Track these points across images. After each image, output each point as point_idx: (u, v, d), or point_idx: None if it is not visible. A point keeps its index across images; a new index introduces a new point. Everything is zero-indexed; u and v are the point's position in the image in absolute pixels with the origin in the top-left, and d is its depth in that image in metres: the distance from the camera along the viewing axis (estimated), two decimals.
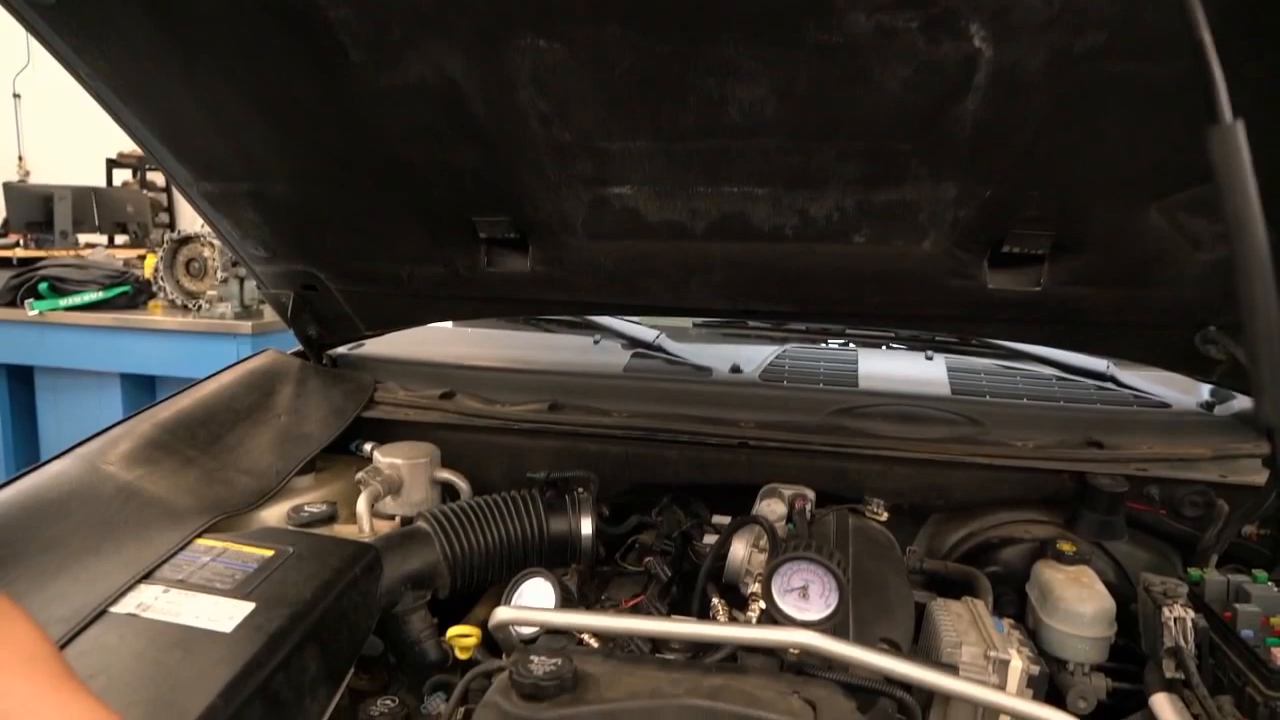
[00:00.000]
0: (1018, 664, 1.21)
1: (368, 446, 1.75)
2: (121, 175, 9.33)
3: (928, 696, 1.23)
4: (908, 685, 1.11)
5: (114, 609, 1.16)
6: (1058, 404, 1.74)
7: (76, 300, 5.32)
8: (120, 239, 7.84)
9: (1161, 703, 1.24)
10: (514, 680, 1.03)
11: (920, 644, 1.37)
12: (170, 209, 9.50)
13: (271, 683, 1.10)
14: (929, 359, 1.96)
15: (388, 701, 1.28)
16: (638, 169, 1.38)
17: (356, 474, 1.63)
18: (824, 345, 2.03)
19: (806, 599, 1.10)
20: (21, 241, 6.84)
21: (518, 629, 1.26)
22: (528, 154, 1.38)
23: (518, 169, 1.42)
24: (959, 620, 1.32)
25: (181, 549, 1.31)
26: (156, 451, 1.55)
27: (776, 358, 1.93)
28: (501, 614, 1.14)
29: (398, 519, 1.65)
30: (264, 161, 1.48)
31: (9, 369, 4.94)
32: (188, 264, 5.57)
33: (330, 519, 1.50)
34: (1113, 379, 1.82)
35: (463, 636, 1.25)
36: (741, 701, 1.02)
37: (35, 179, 9.47)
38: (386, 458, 1.67)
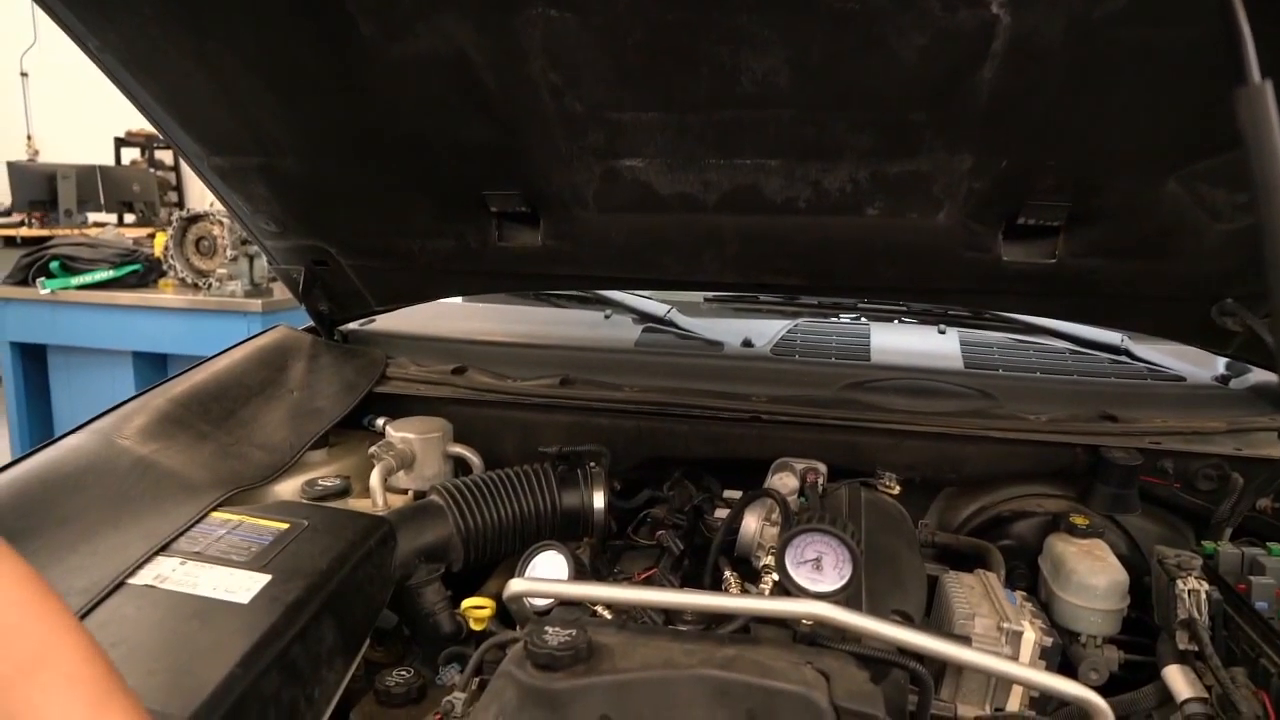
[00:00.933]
0: (1030, 636, 1.21)
1: (380, 421, 1.75)
2: (130, 154, 9.32)
3: (940, 668, 1.24)
4: (920, 657, 1.11)
5: (132, 581, 1.17)
6: (1071, 377, 1.73)
7: (88, 279, 5.34)
8: (129, 218, 7.85)
9: (1174, 674, 1.25)
10: (529, 650, 1.03)
11: (932, 616, 1.37)
12: (179, 188, 9.51)
13: (289, 653, 1.11)
14: (941, 333, 1.95)
15: (403, 673, 1.29)
16: (649, 141, 1.37)
17: (369, 449, 1.63)
18: (836, 319, 2.03)
19: (820, 571, 1.11)
20: (27, 221, 6.85)
21: (531, 601, 1.27)
22: (539, 126, 1.37)
23: (529, 141, 1.41)
24: (971, 593, 1.32)
25: (198, 522, 1.32)
26: (171, 426, 1.56)
27: (788, 332, 1.93)
28: (515, 585, 1.15)
29: (410, 493, 1.66)
30: (274, 135, 1.48)
31: (22, 347, 4.98)
32: (197, 242, 5.57)
33: (344, 493, 1.51)
34: (1126, 352, 1.81)
35: (477, 608, 1.25)
36: (755, 672, 1.03)
37: (44, 158, 9.47)
38: (399, 432, 1.68)
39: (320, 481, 1.52)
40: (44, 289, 4.95)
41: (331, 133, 1.47)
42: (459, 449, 1.71)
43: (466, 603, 1.26)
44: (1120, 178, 1.30)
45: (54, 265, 5.30)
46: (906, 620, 1.23)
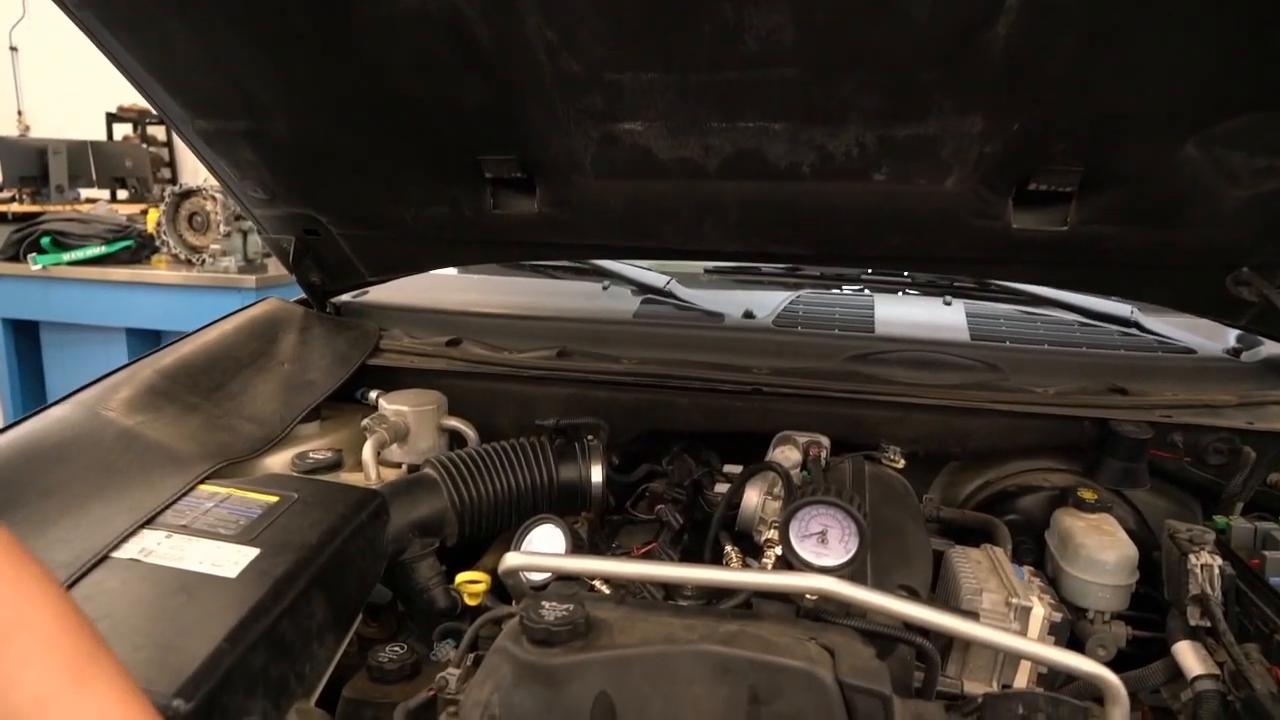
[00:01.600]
0: (1039, 611, 1.19)
1: (373, 394, 1.72)
2: (122, 129, 9.21)
3: (946, 644, 1.21)
4: (926, 632, 1.08)
5: (116, 554, 1.14)
6: (1080, 350, 1.69)
7: (79, 255, 5.29)
8: (122, 194, 7.77)
9: (1185, 650, 1.22)
10: (525, 626, 1.00)
11: (938, 592, 1.34)
12: (172, 164, 9.40)
13: (277, 628, 1.08)
14: (947, 304, 1.91)
15: (396, 649, 1.26)
16: (649, 103, 1.32)
17: (362, 422, 1.60)
18: (839, 291, 1.99)
19: (825, 544, 1.07)
20: (18, 196, 6.77)
21: (527, 575, 1.24)
22: (534, 87, 1.32)
23: (524, 104, 1.36)
24: (979, 567, 1.29)
25: (185, 495, 1.28)
26: (158, 398, 1.52)
27: (790, 303, 1.89)
28: (511, 559, 1.11)
29: (404, 467, 1.62)
30: (261, 98, 1.43)
31: (14, 324, 4.93)
32: (190, 218, 5.52)
33: (336, 465, 1.47)
34: (1136, 324, 1.77)
35: (472, 583, 1.22)
36: (757, 647, 1.00)
37: (35, 134, 9.36)
38: (392, 405, 1.64)
39: (311, 454, 1.48)
40: (35, 265, 4.89)
41: (319, 94, 1.42)
42: (454, 422, 1.67)
43: (461, 577, 1.23)
44: (1137, 140, 1.26)
45: (45, 241, 5.24)
46: (912, 595, 1.20)
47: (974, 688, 1.16)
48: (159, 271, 4.94)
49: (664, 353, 1.71)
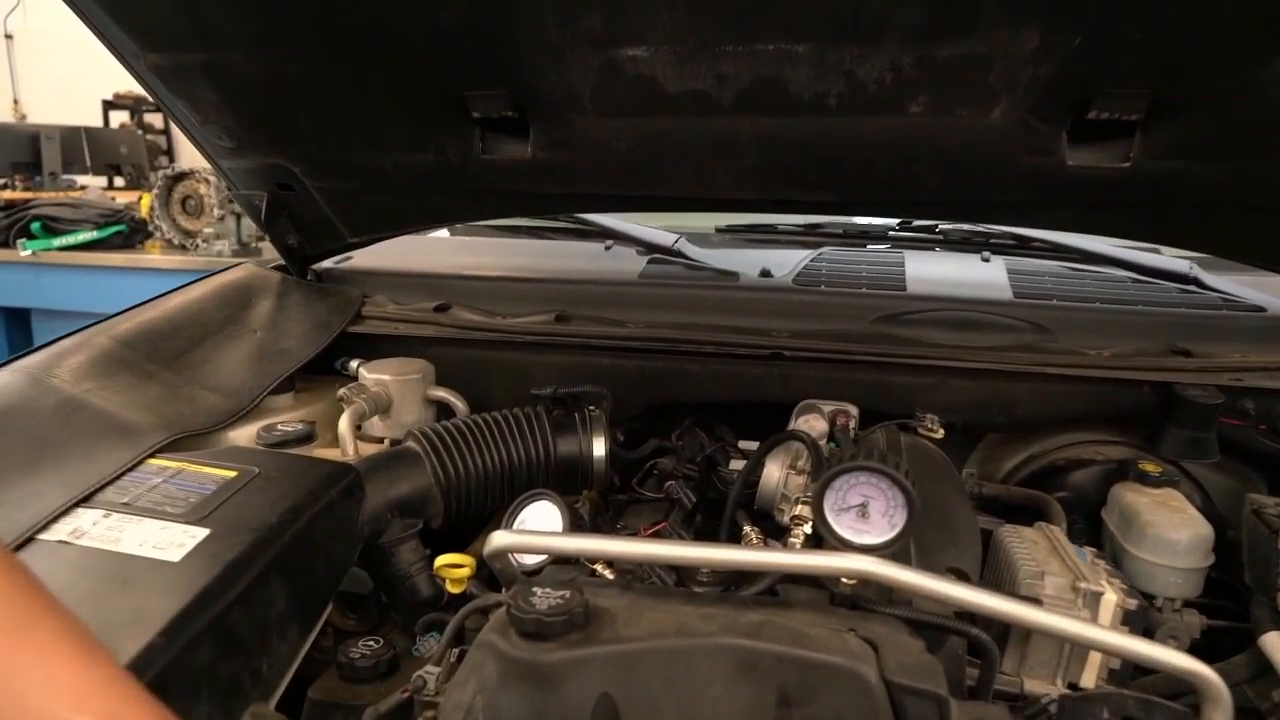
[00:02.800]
0: (1111, 597, 1.03)
1: (354, 364, 1.56)
2: (119, 117, 9.08)
3: (998, 636, 1.05)
4: (979, 620, 0.93)
5: (43, 536, 0.99)
6: (1135, 308, 1.52)
7: (70, 240, 5.17)
8: (119, 182, 7.64)
9: (1275, 641, 1.06)
10: (513, 616, 0.85)
11: (987, 576, 1.18)
12: (170, 151, 9.26)
13: (227, 619, 0.93)
14: (985, 260, 1.74)
15: (370, 643, 1.11)
16: (655, 22, 1.16)
17: (338, 392, 1.44)
18: (865, 248, 1.82)
19: (865, 519, 0.91)
20: (10, 183, 6.64)
21: (519, 557, 1.08)
22: (525, 6, 1.16)
23: (514, 27, 1.20)
24: (1036, 548, 1.13)
25: (131, 469, 1.13)
26: (112, 365, 1.37)
27: (812, 260, 1.72)
28: (498, 539, 0.96)
29: (386, 442, 1.47)
30: (217, 25, 1.27)
31: (5, 311, 4.80)
32: (183, 201, 5.40)
33: (307, 438, 1.32)
34: (1195, 280, 1.60)
35: (453, 567, 1.06)
36: (787, 641, 0.85)
37: (32, 122, 9.23)
38: (373, 374, 1.49)
39: (280, 426, 1.33)
40: (25, 250, 4.78)
41: (283, 21, 1.25)
42: (441, 393, 1.51)
43: (441, 560, 1.07)
44: (1215, 56, 1.09)
45: (35, 226, 5.12)
46: (962, 579, 1.04)
47: (1035, 686, 1.00)
48: (152, 256, 4.82)
49: (673, 315, 1.55)
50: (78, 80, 7.96)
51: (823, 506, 0.92)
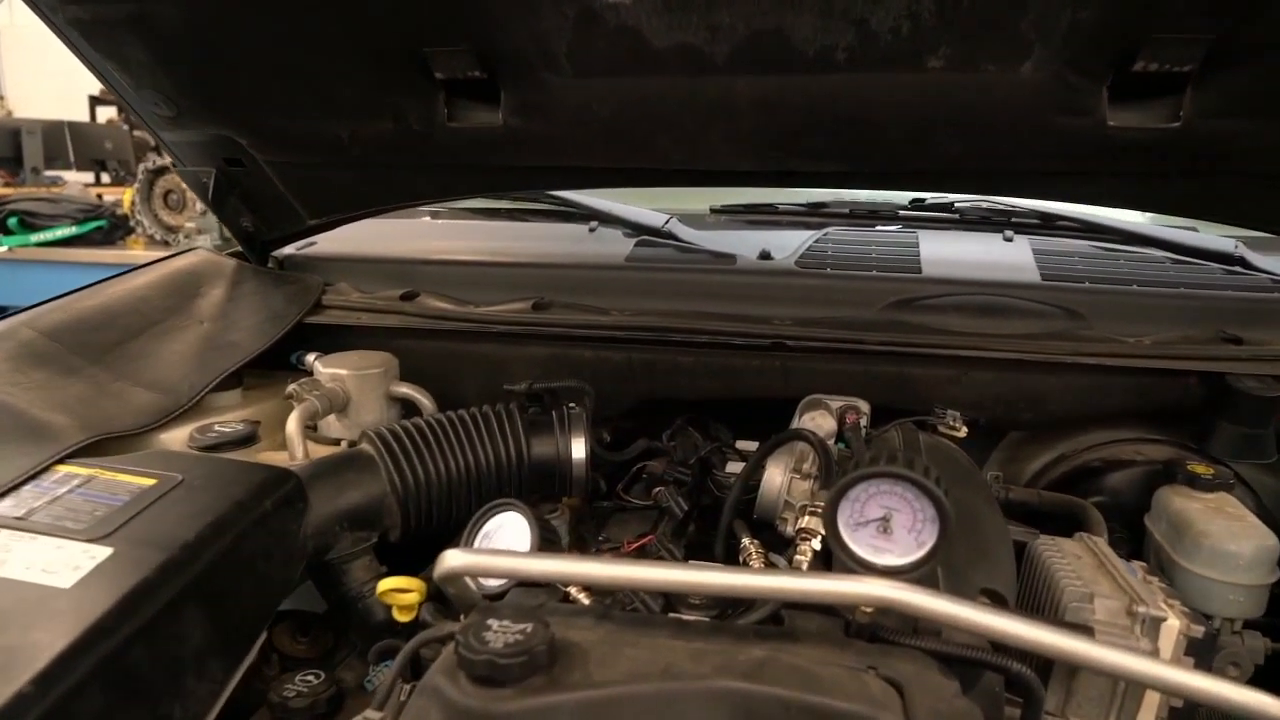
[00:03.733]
0: (1174, 623, 0.87)
1: (310, 357, 1.41)
2: (107, 113, 8.91)
3: (1039, 669, 0.90)
4: (1022, 654, 0.78)
5: None
6: (1176, 291, 1.37)
7: (48, 236, 5.04)
8: (105, 177, 7.48)
9: None
10: (460, 656, 0.70)
11: (1022, 597, 1.03)
12: (159, 148, 9.09)
13: (125, 657, 0.78)
14: (1008, 240, 1.58)
15: (309, 678, 0.96)
16: None
17: (287, 388, 1.29)
18: (875, 229, 1.66)
19: (887, 536, 0.76)
20: None
21: (483, 580, 0.93)
22: None
23: None
24: (1080, 564, 0.97)
25: (33, 477, 0.98)
26: (30, 359, 1.21)
27: (816, 241, 1.56)
28: (450, 560, 0.80)
29: (344, 444, 1.32)
30: None
31: None
32: (165, 196, 5.27)
33: (247, 440, 1.16)
34: (1242, 260, 1.45)
35: (399, 591, 0.91)
36: (795, 684, 0.70)
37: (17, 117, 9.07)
38: (329, 368, 1.33)
39: (217, 426, 1.17)
40: (1, 246, 4.64)
41: None
42: (405, 389, 1.36)
43: (385, 584, 0.92)
44: None
45: (12, 222, 4.99)
46: (998, 602, 0.89)
47: None
48: (133, 252, 4.70)
49: (662, 302, 1.40)
50: (65, 76, 7.77)
51: (837, 520, 0.77)
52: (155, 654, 0.81)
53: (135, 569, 0.83)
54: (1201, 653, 0.89)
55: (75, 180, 7.14)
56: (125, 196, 5.28)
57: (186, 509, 0.93)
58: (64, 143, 6.84)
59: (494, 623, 0.73)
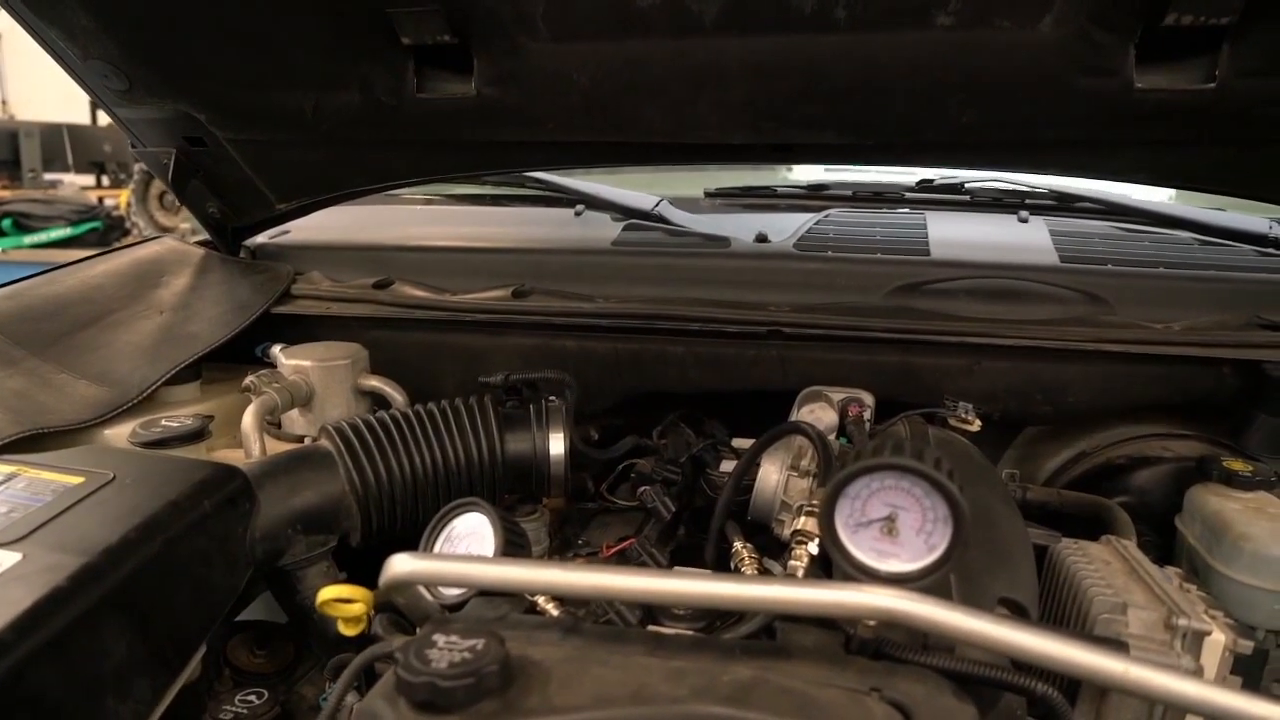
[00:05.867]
0: (1219, 638, 0.77)
1: (275, 349, 1.32)
2: (107, 116, 8.89)
3: (1064, 687, 0.80)
4: (1046, 672, 0.68)
5: None
6: (1206, 273, 1.27)
7: (42, 237, 4.99)
8: (104, 180, 7.44)
9: None
10: (400, 679, 0.60)
11: (1045, 607, 0.93)
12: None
13: (27, 678, 0.69)
14: (1023, 221, 1.48)
15: (249, 697, 0.87)
16: None
17: (245, 380, 1.20)
18: (879, 211, 1.56)
19: (893, 537, 0.66)
20: None
21: (441, 590, 0.83)
22: None
23: None
24: (1109, 570, 0.87)
25: None
26: None
27: (816, 223, 1.47)
28: (398, 565, 0.71)
29: (308, 440, 1.22)
30: None
31: None
32: (161, 196, 5.22)
33: (196, 436, 1.07)
34: (1276, 242, 1.34)
35: (343, 602, 0.81)
36: (786, 708, 0.61)
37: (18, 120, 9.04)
38: (292, 359, 1.24)
39: (164, 420, 1.08)
40: None
41: None
42: (374, 382, 1.27)
43: (327, 594, 0.82)
44: None
45: (6, 223, 4.93)
46: (1019, 614, 0.79)
47: None
48: None
49: (651, 289, 1.30)
50: (67, 79, 7.74)
51: (834, 520, 0.67)
52: (66, 672, 0.72)
53: (46, 576, 0.74)
54: (1250, 670, 0.79)
55: (74, 182, 7.10)
56: (121, 198, 5.23)
57: (114, 510, 0.84)
58: (62, 145, 6.80)
59: (441, 639, 0.64)
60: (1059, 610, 0.90)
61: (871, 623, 0.68)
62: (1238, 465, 1.07)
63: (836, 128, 1.13)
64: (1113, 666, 0.65)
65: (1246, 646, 0.78)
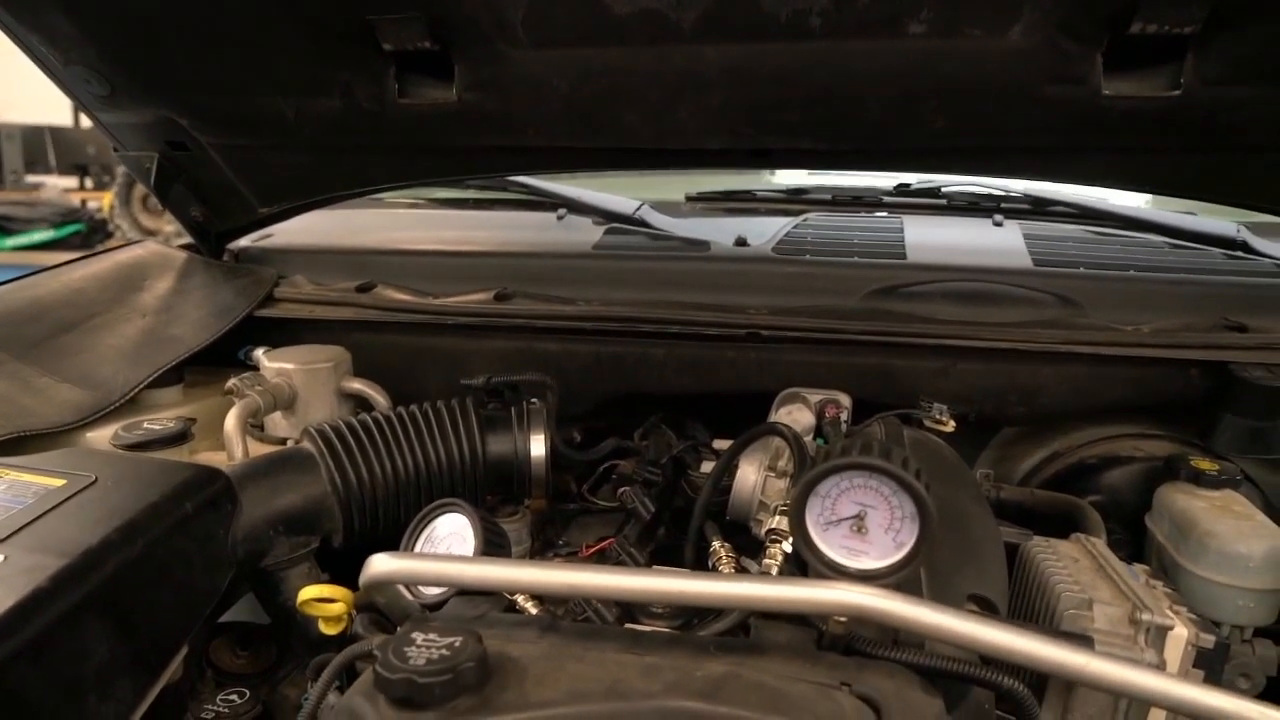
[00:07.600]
0: (1182, 632, 0.79)
1: (258, 352, 1.32)
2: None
3: (1032, 683, 0.82)
4: (1015, 667, 0.69)
5: None
6: (1176, 276, 1.30)
7: (24, 240, 4.96)
8: (88, 182, 7.40)
9: None
10: (378, 676, 0.61)
11: (1014, 604, 0.95)
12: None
13: (10, 678, 0.69)
14: (998, 225, 1.51)
15: (231, 697, 0.88)
16: None
17: (227, 383, 1.21)
18: (857, 215, 1.58)
19: (862, 536, 0.68)
20: None
21: (421, 589, 0.84)
22: None
23: None
24: (1077, 567, 0.89)
25: None
26: None
27: (795, 227, 1.49)
28: (377, 564, 0.72)
29: (290, 443, 1.23)
30: None
31: None
32: (144, 199, 5.20)
33: (178, 438, 1.08)
34: (1244, 245, 1.37)
35: (322, 601, 0.82)
36: (758, 703, 0.62)
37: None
38: (275, 362, 1.25)
39: (146, 423, 1.09)
40: None
41: None
42: (357, 384, 1.28)
43: (307, 593, 0.83)
44: None
45: None
46: (988, 610, 0.81)
47: None
48: None
49: (632, 292, 1.32)
50: (48, 80, 7.68)
51: (804, 518, 0.68)
52: (48, 673, 0.73)
53: (26, 578, 0.75)
54: (1211, 664, 0.81)
55: (57, 185, 7.05)
56: (105, 200, 5.20)
57: (95, 512, 0.85)
58: (45, 147, 6.75)
59: (419, 636, 0.65)
60: (1028, 606, 0.92)
61: (843, 619, 0.69)
62: (1205, 464, 1.10)
63: (812, 133, 1.15)
64: (1075, 660, 0.66)
65: (1209, 641, 0.80)
